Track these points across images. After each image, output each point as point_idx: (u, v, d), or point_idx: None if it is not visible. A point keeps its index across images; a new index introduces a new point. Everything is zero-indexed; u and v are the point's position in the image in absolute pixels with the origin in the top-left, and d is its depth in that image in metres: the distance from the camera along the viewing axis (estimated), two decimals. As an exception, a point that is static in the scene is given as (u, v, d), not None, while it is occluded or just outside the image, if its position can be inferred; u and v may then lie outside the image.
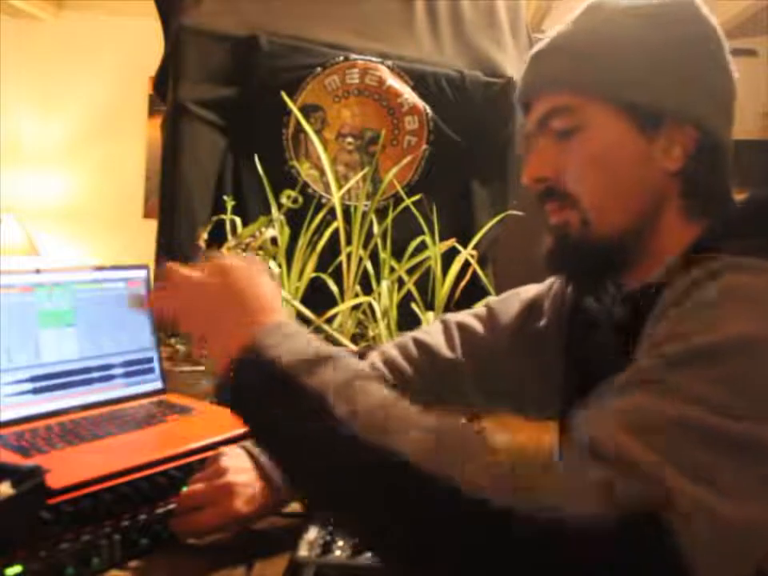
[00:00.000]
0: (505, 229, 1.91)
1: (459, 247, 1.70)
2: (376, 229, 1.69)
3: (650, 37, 0.66)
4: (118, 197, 3.70)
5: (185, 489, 0.78)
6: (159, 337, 1.17)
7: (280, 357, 0.53)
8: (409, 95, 1.99)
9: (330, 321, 1.55)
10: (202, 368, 1.46)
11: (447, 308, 1.62)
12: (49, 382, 0.99)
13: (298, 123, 1.84)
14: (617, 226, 0.67)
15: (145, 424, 0.96)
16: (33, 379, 0.97)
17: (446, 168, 2.03)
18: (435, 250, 1.64)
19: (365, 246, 1.64)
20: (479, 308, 0.96)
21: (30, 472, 0.69)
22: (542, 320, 0.86)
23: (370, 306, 1.57)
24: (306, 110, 1.93)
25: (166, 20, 2.00)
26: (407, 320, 1.59)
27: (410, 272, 1.64)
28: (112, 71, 3.64)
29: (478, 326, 0.92)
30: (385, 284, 1.58)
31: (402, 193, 1.87)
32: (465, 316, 0.95)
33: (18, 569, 0.64)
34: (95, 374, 1.04)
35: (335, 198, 1.64)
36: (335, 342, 1.48)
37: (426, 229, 1.68)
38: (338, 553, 0.70)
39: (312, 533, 0.73)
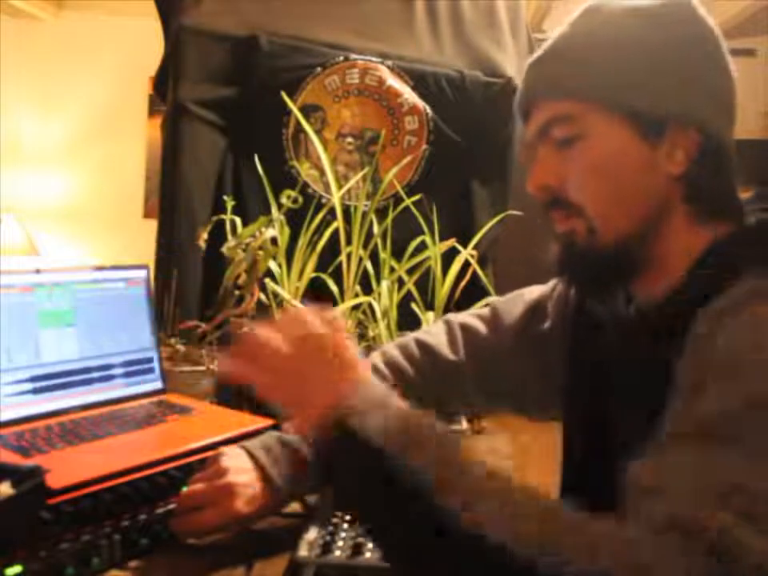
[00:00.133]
0: (505, 229, 1.91)
1: (459, 247, 1.70)
2: (376, 229, 1.68)
3: (648, 37, 0.65)
4: (117, 197, 3.70)
5: (185, 489, 0.78)
6: (159, 337, 1.17)
7: (372, 437, 0.53)
8: (409, 95, 1.99)
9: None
10: (202, 368, 1.46)
11: (447, 308, 1.62)
12: (49, 382, 0.99)
13: (298, 123, 1.84)
14: (621, 231, 0.66)
15: (145, 424, 0.96)
16: (33, 379, 0.97)
17: (446, 168, 2.03)
18: (435, 250, 1.64)
19: (365, 246, 1.63)
20: (483, 308, 0.96)
21: (30, 472, 0.69)
22: (546, 322, 0.86)
23: (370, 306, 1.57)
24: (306, 110, 1.94)
25: (165, 20, 2.00)
26: (407, 320, 1.58)
27: (409, 272, 1.64)
28: (112, 71, 3.64)
29: (482, 327, 0.92)
30: (385, 284, 1.58)
31: (401, 193, 1.87)
32: (468, 317, 0.95)
33: (17, 569, 0.64)
34: (95, 374, 1.04)
35: (335, 198, 1.64)
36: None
37: (425, 229, 1.67)
38: (337, 553, 0.70)
39: (312, 533, 0.73)
